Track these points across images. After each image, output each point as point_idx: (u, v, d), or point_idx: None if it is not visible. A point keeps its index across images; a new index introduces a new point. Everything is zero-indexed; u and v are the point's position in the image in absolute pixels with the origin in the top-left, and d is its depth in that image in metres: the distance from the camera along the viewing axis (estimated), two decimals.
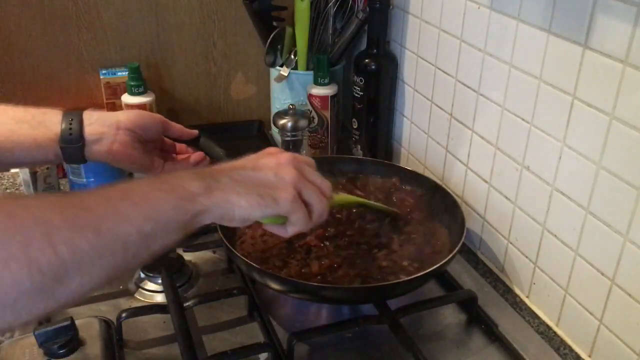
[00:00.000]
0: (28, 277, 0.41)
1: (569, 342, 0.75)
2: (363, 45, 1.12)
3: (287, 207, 0.58)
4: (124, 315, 0.74)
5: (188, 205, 0.52)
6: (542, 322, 0.78)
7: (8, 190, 1.07)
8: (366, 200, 0.85)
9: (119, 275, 0.49)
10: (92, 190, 0.52)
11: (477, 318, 0.78)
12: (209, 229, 0.80)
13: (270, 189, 0.57)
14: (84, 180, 1.03)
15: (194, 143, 0.83)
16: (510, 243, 0.84)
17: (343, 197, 0.82)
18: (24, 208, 0.44)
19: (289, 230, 0.61)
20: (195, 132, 0.82)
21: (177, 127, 0.81)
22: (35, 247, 0.42)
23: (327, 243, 0.81)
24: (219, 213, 0.55)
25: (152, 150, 0.80)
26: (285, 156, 0.62)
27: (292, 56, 1.16)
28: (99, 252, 0.46)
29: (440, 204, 0.88)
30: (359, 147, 1.13)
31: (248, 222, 0.58)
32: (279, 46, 1.16)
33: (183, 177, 0.55)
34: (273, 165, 0.60)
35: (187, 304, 0.76)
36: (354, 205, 0.85)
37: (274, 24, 1.17)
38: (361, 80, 1.07)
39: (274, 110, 1.19)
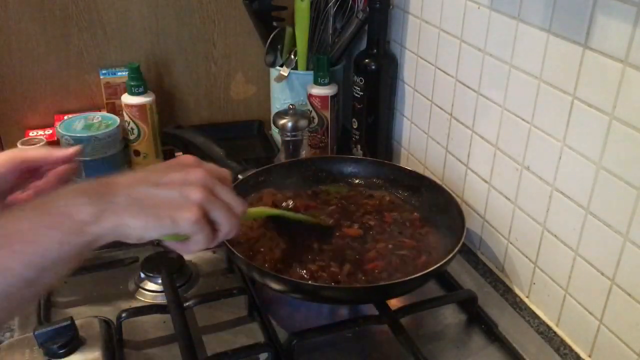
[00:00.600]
0: None
1: (569, 342, 0.75)
2: (363, 45, 1.12)
3: (188, 228, 0.53)
4: (124, 315, 0.74)
5: (77, 239, 0.48)
6: (542, 322, 0.78)
7: None
8: (285, 212, 0.81)
9: (4, 322, 0.48)
10: None
11: (477, 318, 0.78)
12: None
13: (170, 209, 0.53)
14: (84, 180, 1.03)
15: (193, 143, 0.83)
16: (510, 243, 0.84)
17: (260, 209, 0.79)
18: None
19: (191, 248, 0.57)
20: (71, 151, 0.67)
21: (45, 158, 0.67)
22: None
23: (327, 244, 0.81)
24: (113, 236, 0.51)
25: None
26: (196, 172, 0.56)
27: (292, 56, 1.16)
28: None
29: (440, 204, 0.88)
30: (359, 147, 1.13)
31: (145, 241, 0.53)
32: (279, 46, 1.16)
33: (71, 201, 0.50)
34: (179, 181, 0.55)
35: (187, 304, 0.76)
36: (274, 217, 0.80)
37: (274, 24, 1.17)
38: (361, 80, 1.07)
39: (274, 110, 1.19)
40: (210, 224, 0.55)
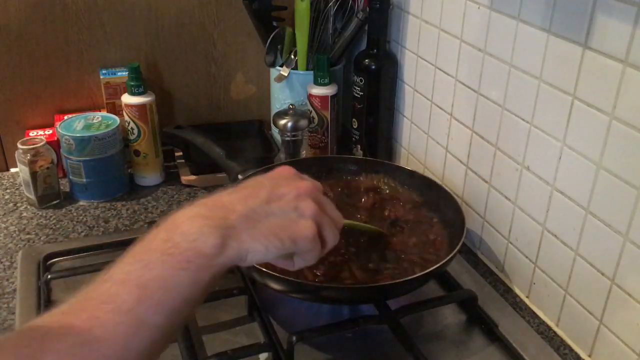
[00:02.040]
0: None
1: (569, 342, 0.75)
2: (363, 45, 1.12)
3: (306, 246, 0.53)
4: None
5: (205, 275, 0.47)
6: (542, 322, 0.78)
7: (8, 190, 1.08)
8: (356, 223, 0.82)
9: None
10: (95, 297, 0.46)
11: (477, 318, 0.78)
12: None
13: (288, 229, 0.52)
14: (84, 180, 1.03)
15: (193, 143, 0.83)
16: (510, 243, 0.84)
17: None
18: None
19: (297, 264, 0.56)
20: None
21: None
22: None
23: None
24: (232, 264, 0.50)
25: None
26: (305, 185, 0.56)
27: (292, 56, 1.16)
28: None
29: (440, 204, 0.88)
30: (359, 147, 1.13)
31: (262, 262, 0.54)
32: (279, 46, 1.16)
33: (195, 233, 0.48)
34: (292, 197, 0.54)
35: None
36: (347, 227, 0.80)
37: (274, 24, 1.17)
38: (361, 80, 1.07)
39: (274, 110, 1.19)
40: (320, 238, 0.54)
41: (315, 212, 0.54)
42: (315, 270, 0.75)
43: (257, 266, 0.71)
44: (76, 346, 0.41)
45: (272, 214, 0.52)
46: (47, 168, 1.01)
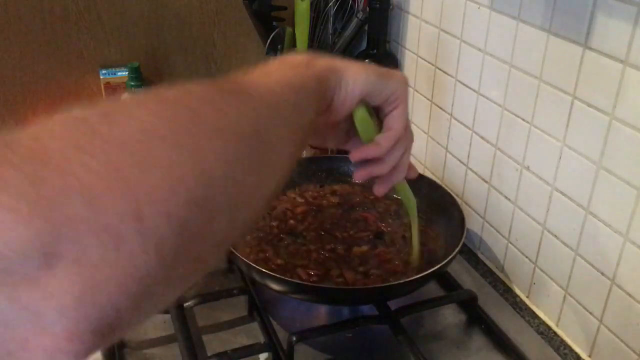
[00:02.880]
0: (175, 198, 0.28)
1: (569, 342, 0.75)
2: (363, 45, 1.12)
3: (399, 86, 0.56)
4: None
5: (306, 71, 0.48)
6: (542, 322, 0.78)
7: None
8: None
9: (273, 194, 0.39)
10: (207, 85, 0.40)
11: (477, 318, 0.78)
12: None
13: (386, 72, 0.56)
14: None
15: None
16: (510, 243, 0.84)
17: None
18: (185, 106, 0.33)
19: (373, 149, 0.57)
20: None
21: None
22: (179, 159, 0.29)
23: (326, 247, 0.81)
24: (334, 83, 0.51)
25: None
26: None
27: None
28: (255, 158, 0.36)
29: (440, 204, 0.88)
30: None
31: (358, 98, 0.53)
32: (279, 46, 1.15)
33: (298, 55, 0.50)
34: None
35: (187, 304, 0.76)
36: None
37: (274, 24, 1.17)
38: None
39: None
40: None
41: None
42: (308, 270, 0.75)
43: (257, 266, 0.71)
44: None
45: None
46: None
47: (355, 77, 0.52)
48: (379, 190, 0.62)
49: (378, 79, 0.54)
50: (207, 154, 0.31)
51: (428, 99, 1.00)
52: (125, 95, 1.07)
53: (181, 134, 0.30)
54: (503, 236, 0.85)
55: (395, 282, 0.73)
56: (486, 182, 0.87)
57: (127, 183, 0.27)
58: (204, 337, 0.75)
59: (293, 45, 1.15)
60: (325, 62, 0.51)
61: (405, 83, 0.57)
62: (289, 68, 0.47)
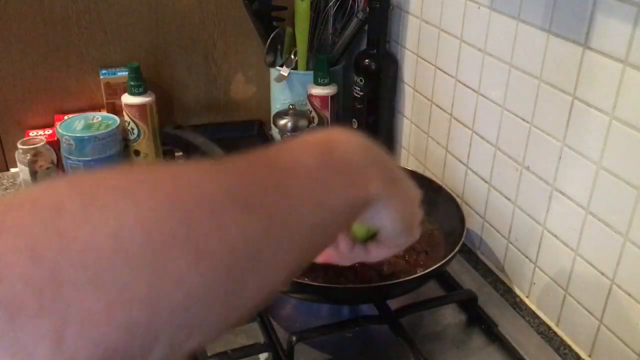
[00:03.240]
0: (195, 271, 0.27)
1: (569, 342, 0.75)
2: (363, 45, 1.12)
3: (417, 233, 0.52)
4: None
5: (360, 192, 0.42)
6: (542, 322, 0.78)
7: (8, 190, 1.08)
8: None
9: (297, 270, 0.37)
10: (242, 159, 0.36)
11: (477, 318, 0.78)
12: None
13: (415, 212, 0.51)
14: None
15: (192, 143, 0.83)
16: (510, 243, 0.84)
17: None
18: (171, 178, 0.30)
19: (372, 253, 0.53)
20: None
21: None
22: (199, 228, 0.28)
23: None
24: (376, 210, 0.45)
25: None
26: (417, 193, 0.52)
27: (292, 56, 1.16)
28: (278, 240, 0.33)
29: (440, 204, 0.88)
30: None
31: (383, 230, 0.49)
32: (279, 46, 1.16)
33: (359, 159, 0.43)
34: (417, 200, 0.51)
35: None
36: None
37: (274, 24, 1.17)
38: (361, 80, 1.07)
39: (274, 110, 1.19)
40: None
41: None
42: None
43: None
44: None
45: (415, 200, 0.50)
46: (47, 168, 1.01)
47: (394, 216, 0.47)
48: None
49: (402, 232, 0.50)
50: (171, 278, 0.27)
51: (428, 99, 1.00)
52: (125, 96, 1.07)
53: (156, 251, 0.26)
54: (503, 236, 0.85)
55: (395, 282, 0.73)
56: (486, 182, 0.87)
57: (62, 302, 0.24)
58: None
59: (293, 45, 1.15)
60: (378, 184, 0.43)
61: (414, 238, 0.52)
62: (338, 186, 0.40)
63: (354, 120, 1.12)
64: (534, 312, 0.80)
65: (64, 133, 1.01)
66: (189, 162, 0.33)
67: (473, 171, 0.90)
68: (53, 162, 1.02)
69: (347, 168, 0.41)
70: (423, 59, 1.00)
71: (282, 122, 1.03)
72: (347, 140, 0.44)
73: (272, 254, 0.33)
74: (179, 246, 0.27)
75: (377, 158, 0.45)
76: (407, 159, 1.10)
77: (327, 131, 0.44)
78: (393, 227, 0.48)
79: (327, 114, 1.13)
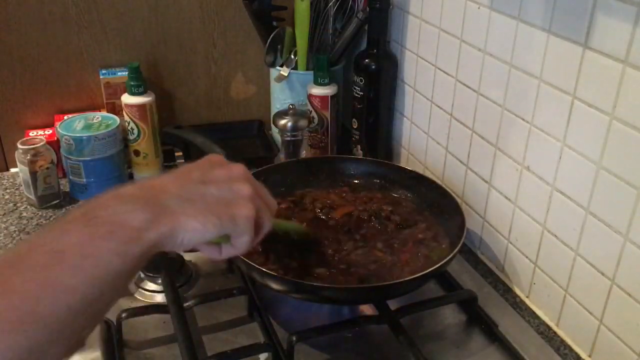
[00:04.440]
0: None
1: (569, 342, 0.75)
2: (363, 45, 1.12)
3: (244, 227, 0.51)
4: (124, 315, 0.74)
5: (135, 248, 0.43)
6: (542, 322, 0.78)
7: (8, 190, 1.08)
8: (290, 224, 0.82)
9: (78, 349, 0.42)
10: (13, 257, 0.41)
11: (477, 318, 0.78)
12: None
13: (226, 207, 0.50)
14: (84, 180, 1.03)
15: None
16: (510, 243, 0.84)
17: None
18: None
19: (225, 252, 0.54)
20: None
21: None
22: None
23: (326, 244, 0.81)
24: (169, 242, 0.46)
25: None
26: (238, 168, 0.54)
27: (292, 56, 1.16)
28: (48, 341, 0.38)
29: (440, 204, 0.88)
30: (359, 147, 1.13)
31: (196, 245, 0.50)
32: (279, 46, 1.16)
33: (120, 209, 0.45)
34: (226, 178, 0.52)
35: (187, 304, 0.76)
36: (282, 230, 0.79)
37: (274, 24, 1.17)
38: (361, 80, 1.07)
39: (274, 110, 1.19)
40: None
41: (252, 194, 0.52)
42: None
43: (257, 266, 0.71)
44: None
45: (207, 194, 0.50)
46: (47, 168, 1.01)
47: (191, 235, 0.48)
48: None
49: (218, 229, 0.49)
50: None
51: (428, 99, 1.00)
52: (125, 96, 1.07)
53: None
54: (503, 236, 0.85)
55: (395, 282, 0.73)
56: (486, 182, 0.87)
57: None
58: (204, 337, 0.75)
59: (293, 45, 1.15)
60: (159, 229, 0.45)
61: (250, 219, 0.51)
62: (114, 246, 0.43)
63: (354, 120, 1.12)
64: (534, 312, 0.80)
65: (64, 133, 1.01)
66: None
67: (473, 171, 0.90)
68: (53, 162, 1.02)
69: (116, 230, 0.43)
70: (423, 59, 1.00)
71: (282, 122, 1.03)
72: (105, 202, 0.46)
73: (49, 352, 0.38)
74: None
75: (136, 199, 0.46)
76: (407, 159, 1.10)
77: (91, 200, 0.46)
78: (204, 231, 0.48)
79: (327, 114, 1.13)
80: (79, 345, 0.42)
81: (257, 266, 0.72)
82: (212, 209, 0.49)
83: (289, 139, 1.04)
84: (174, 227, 0.46)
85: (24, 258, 0.41)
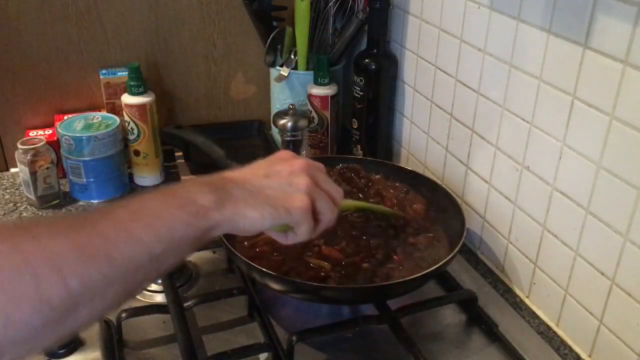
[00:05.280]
0: (39, 315, 0.39)
1: (569, 342, 0.75)
2: (363, 45, 1.12)
3: (299, 217, 0.56)
4: (124, 315, 0.74)
5: (200, 222, 0.50)
6: (542, 322, 0.78)
7: (8, 190, 1.08)
8: (370, 205, 0.86)
9: (128, 299, 0.49)
10: (100, 210, 0.50)
11: (477, 318, 0.78)
12: None
13: (283, 199, 0.56)
14: (84, 180, 1.03)
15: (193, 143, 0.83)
16: (510, 243, 0.84)
17: (349, 202, 0.81)
18: (31, 238, 0.41)
19: (290, 239, 0.60)
20: None
21: None
22: (46, 283, 0.40)
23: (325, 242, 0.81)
24: (230, 226, 0.53)
25: None
26: (299, 162, 0.60)
27: (292, 56, 1.16)
28: (110, 281, 0.44)
29: (440, 204, 0.88)
30: (359, 147, 1.13)
31: (257, 232, 0.56)
32: (279, 46, 1.16)
33: (193, 189, 0.52)
34: (286, 172, 0.58)
35: (187, 304, 0.76)
36: (359, 210, 0.84)
37: (274, 24, 1.17)
38: (361, 80, 1.07)
39: (274, 110, 1.19)
40: (314, 214, 0.58)
41: (310, 186, 0.58)
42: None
43: (258, 266, 0.71)
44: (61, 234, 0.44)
45: (268, 187, 0.56)
46: (47, 168, 1.01)
47: (250, 222, 0.54)
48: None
49: (275, 219, 0.55)
50: (18, 321, 0.39)
51: (428, 99, 1.00)
52: (125, 96, 1.07)
53: (8, 303, 0.39)
54: (503, 236, 0.85)
55: (395, 282, 0.73)
56: (486, 182, 0.87)
57: None
58: (204, 337, 0.75)
59: (293, 45, 1.15)
60: (223, 212, 0.52)
61: (304, 211, 0.57)
62: (184, 216, 0.49)
63: (354, 120, 1.12)
64: (534, 312, 0.80)
65: (64, 133, 1.01)
66: (44, 219, 0.45)
67: (473, 171, 0.90)
68: (53, 162, 1.02)
69: (187, 204, 0.50)
70: (423, 59, 1.00)
71: (282, 122, 1.03)
72: (184, 184, 0.54)
73: (107, 291, 0.44)
74: (27, 300, 0.39)
75: (209, 185, 0.54)
76: (407, 159, 1.10)
77: (171, 184, 0.55)
78: (262, 220, 0.54)
79: (327, 113, 1.13)
80: (137, 292, 0.49)
81: (257, 266, 0.72)
82: (270, 201, 0.55)
83: (289, 139, 1.04)
84: (236, 213, 0.53)
85: (111, 211, 0.47)
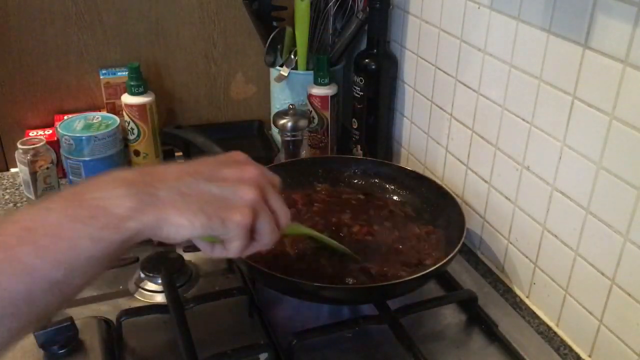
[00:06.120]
0: None
1: (569, 342, 0.75)
2: (363, 45, 1.12)
3: (234, 232, 0.49)
4: (124, 315, 0.74)
5: (113, 236, 0.43)
6: (542, 322, 0.78)
7: (8, 190, 1.08)
8: (321, 235, 0.78)
9: (30, 332, 0.43)
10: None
11: (477, 318, 0.78)
12: None
13: (220, 209, 0.48)
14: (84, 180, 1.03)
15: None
16: (510, 243, 0.84)
17: (296, 227, 0.75)
18: None
19: (217, 252, 0.53)
20: None
21: None
22: None
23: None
24: (152, 233, 0.46)
25: None
26: (252, 170, 0.52)
27: (292, 56, 1.15)
28: None
29: (440, 204, 0.88)
30: (359, 147, 1.13)
31: (184, 240, 0.48)
32: (279, 46, 1.16)
33: (107, 193, 0.44)
34: (234, 178, 0.50)
35: (187, 304, 0.76)
36: (304, 237, 0.78)
37: (274, 24, 1.17)
38: (361, 80, 1.07)
39: (274, 110, 1.19)
40: (251, 233, 0.50)
41: (256, 200, 0.50)
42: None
43: (258, 266, 0.71)
44: None
45: (207, 192, 0.48)
46: (47, 168, 1.01)
47: (176, 229, 0.46)
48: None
49: (206, 229, 0.47)
50: None
51: (428, 99, 1.00)
52: (125, 96, 1.07)
53: None
54: (503, 236, 0.85)
55: (395, 282, 0.73)
56: (486, 182, 0.87)
57: None
58: (204, 337, 0.74)
59: (293, 45, 1.15)
60: (143, 219, 0.44)
61: (242, 227, 0.49)
62: (90, 231, 0.42)
63: (354, 120, 1.12)
64: (534, 312, 0.80)
65: (64, 133, 1.01)
66: None
67: (473, 171, 0.90)
68: (53, 162, 1.02)
69: (97, 216, 0.43)
70: (423, 59, 1.00)
71: (282, 122, 1.03)
72: (98, 184, 0.45)
73: None
74: None
75: (130, 185, 0.46)
76: (407, 159, 1.10)
77: (88, 179, 0.46)
78: (191, 228, 0.47)
79: (327, 114, 1.13)
80: (39, 322, 0.42)
81: (257, 266, 0.72)
82: (205, 208, 0.47)
83: (289, 139, 1.04)
84: (159, 219, 0.45)
85: None
